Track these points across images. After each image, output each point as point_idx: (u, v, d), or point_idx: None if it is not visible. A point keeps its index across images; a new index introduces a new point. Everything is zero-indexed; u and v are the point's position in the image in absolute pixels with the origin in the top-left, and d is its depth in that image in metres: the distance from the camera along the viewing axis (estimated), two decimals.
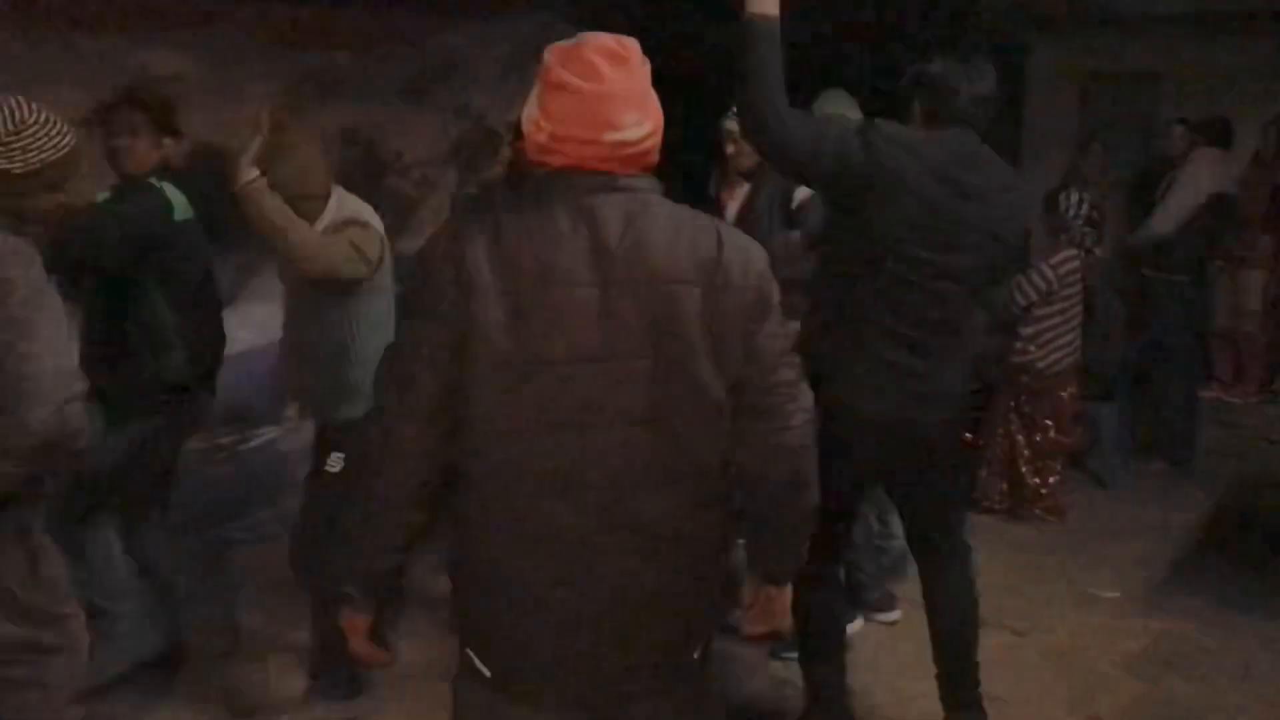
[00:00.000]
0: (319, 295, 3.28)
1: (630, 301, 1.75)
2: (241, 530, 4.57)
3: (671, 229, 1.79)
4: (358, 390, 3.23)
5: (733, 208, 4.12)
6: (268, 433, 4.59)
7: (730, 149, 4.07)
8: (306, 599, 3.50)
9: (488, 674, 1.94)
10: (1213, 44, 7.30)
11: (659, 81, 1.83)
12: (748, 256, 1.83)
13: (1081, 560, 4.67)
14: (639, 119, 1.77)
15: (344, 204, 3.32)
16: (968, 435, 5.62)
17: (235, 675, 3.59)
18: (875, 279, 2.74)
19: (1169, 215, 5.77)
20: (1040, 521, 5.07)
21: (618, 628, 1.88)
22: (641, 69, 1.80)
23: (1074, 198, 5.02)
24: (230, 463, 4.58)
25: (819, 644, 3.21)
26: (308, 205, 3.20)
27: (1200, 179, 5.77)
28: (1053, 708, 3.61)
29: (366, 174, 4.99)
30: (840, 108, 3.94)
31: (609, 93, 1.74)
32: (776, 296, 1.86)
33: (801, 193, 4.09)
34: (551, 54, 1.79)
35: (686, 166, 3.73)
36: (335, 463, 3.32)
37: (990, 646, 3.82)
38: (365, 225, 3.26)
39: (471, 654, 1.97)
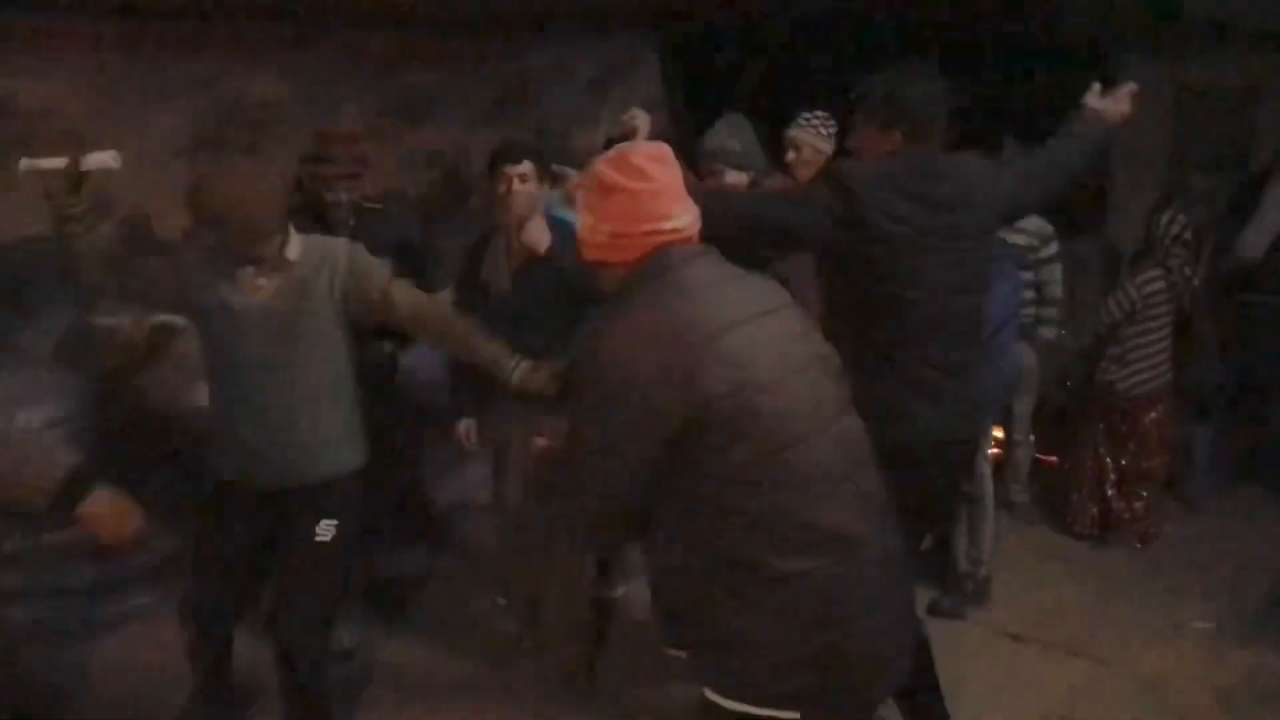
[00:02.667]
0: None
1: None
2: None
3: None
4: None
5: None
6: None
7: (791, 155, 4.13)
8: None
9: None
10: None
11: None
12: None
13: (1172, 588, 4.53)
14: (682, 210, 2.03)
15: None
16: (1051, 456, 5.55)
17: None
18: (898, 314, 2.75)
19: (1260, 236, 5.60)
20: (1129, 547, 4.95)
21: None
22: (677, 168, 2.05)
23: (1165, 218, 4.92)
24: None
25: None
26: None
27: None
28: None
29: (450, 195, 5.07)
30: (730, 138, 3.75)
31: (659, 190, 2.00)
32: None
33: None
34: (600, 163, 2.03)
35: None
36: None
37: (1076, 675, 3.78)
38: None
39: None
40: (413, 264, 3.87)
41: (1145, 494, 4.97)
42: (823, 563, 1.91)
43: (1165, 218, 4.93)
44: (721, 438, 1.88)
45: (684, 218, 2.02)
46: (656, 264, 1.98)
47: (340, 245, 3.07)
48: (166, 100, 4.28)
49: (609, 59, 5.67)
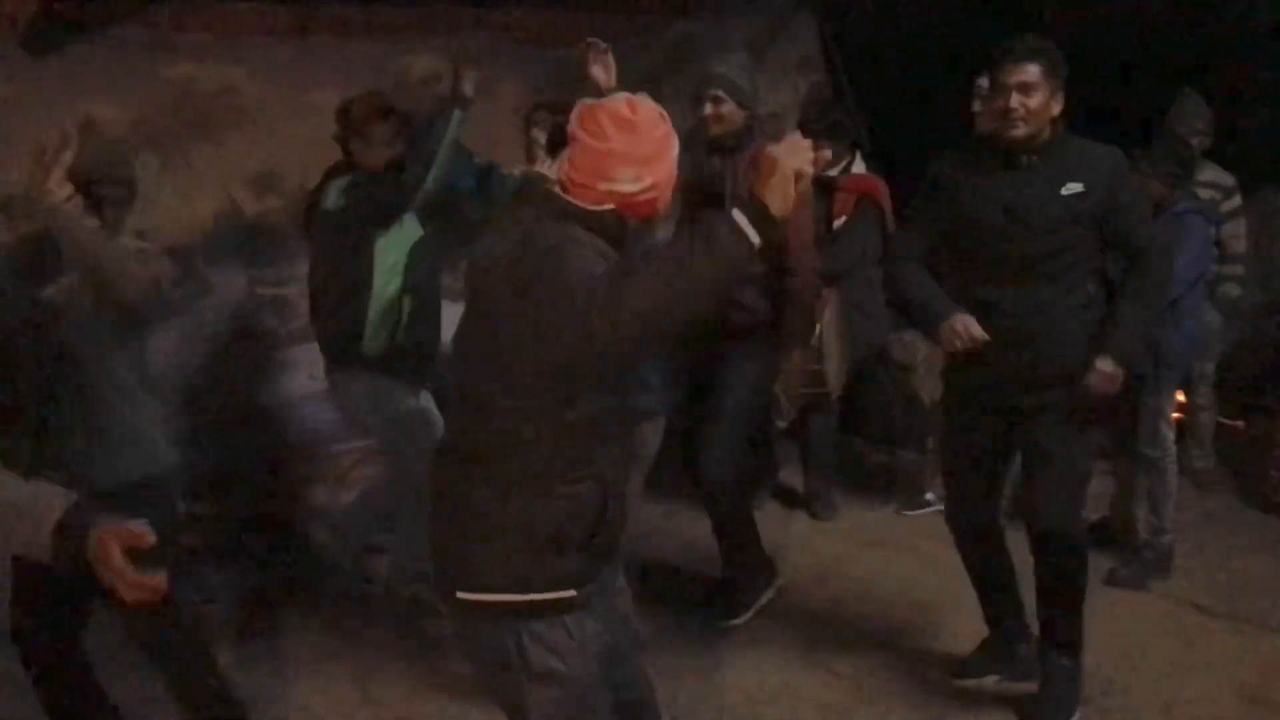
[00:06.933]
0: None
1: None
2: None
3: None
4: None
5: None
6: None
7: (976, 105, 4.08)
8: None
9: None
10: None
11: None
12: None
13: None
14: (634, 175, 1.96)
15: None
16: (1236, 421, 5.28)
17: None
18: None
19: None
20: None
21: None
22: (650, 131, 1.97)
23: None
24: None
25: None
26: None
27: None
28: None
29: None
30: (740, 68, 3.72)
31: (607, 151, 1.95)
32: None
33: None
34: (584, 107, 2.00)
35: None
36: None
37: (1269, 652, 3.60)
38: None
39: None
40: None
41: None
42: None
43: None
44: None
45: (628, 184, 1.97)
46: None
47: None
48: (335, 79, 4.42)
49: (762, 24, 5.60)
